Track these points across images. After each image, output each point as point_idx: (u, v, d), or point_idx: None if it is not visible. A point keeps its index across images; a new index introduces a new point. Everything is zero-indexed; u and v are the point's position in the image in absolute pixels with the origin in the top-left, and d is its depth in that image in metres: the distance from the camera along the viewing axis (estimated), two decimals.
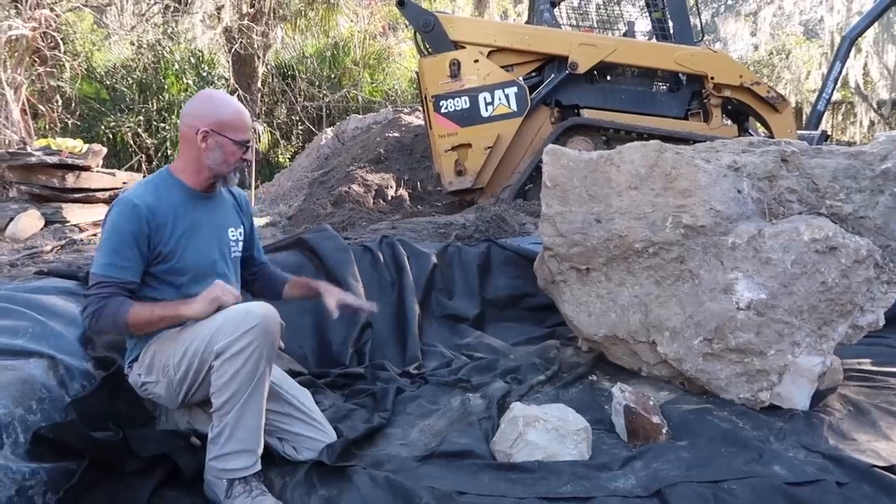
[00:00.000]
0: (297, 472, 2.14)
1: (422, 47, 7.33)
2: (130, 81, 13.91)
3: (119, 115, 13.45)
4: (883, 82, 18.23)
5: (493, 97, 6.87)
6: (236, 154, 2.15)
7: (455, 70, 6.83)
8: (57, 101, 12.66)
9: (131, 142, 13.46)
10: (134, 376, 2.13)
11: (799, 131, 7.78)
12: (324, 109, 16.23)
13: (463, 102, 6.86)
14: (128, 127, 13.33)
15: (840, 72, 8.74)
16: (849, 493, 1.99)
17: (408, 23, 7.75)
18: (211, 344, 1.90)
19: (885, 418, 2.52)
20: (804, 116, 10.41)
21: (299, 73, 16.43)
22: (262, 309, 1.94)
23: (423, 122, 9.12)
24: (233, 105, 2.18)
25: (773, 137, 6.05)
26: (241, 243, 2.36)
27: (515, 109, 6.92)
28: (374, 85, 17.07)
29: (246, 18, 14.69)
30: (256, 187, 10.31)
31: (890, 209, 2.74)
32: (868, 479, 2.05)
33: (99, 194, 7.16)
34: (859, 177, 2.80)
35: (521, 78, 7.11)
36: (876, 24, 12.60)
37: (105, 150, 7.67)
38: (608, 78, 7.58)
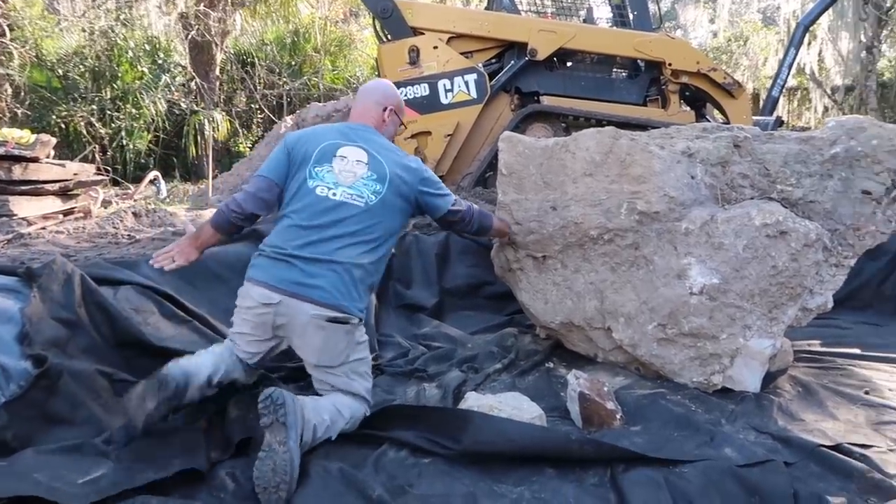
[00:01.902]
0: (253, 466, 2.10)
1: (380, 34, 7.23)
2: (83, 69, 13.45)
3: (71, 104, 13.02)
4: (837, 69, 18.60)
5: (452, 84, 6.81)
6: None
7: (414, 57, 6.76)
8: (5, 91, 12.20)
9: (84, 132, 13.04)
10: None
11: (754, 117, 7.89)
12: (284, 97, 15.96)
13: (422, 89, 6.79)
14: (80, 116, 12.90)
15: (794, 58, 8.86)
16: (796, 472, 2.03)
17: (367, 8, 7.64)
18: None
19: (833, 398, 2.58)
20: (761, 102, 10.59)
21: (259, 60, 16.11)
22: None
23: None
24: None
25: (729, 123, 6.13)
26: None
27: (475, 96, 6.88)
28: (335, 72, 16.84)
29: (202, 4, 14.32)
30: (215, 177, 10.09)
31: (838, 193, 2.79)
32: (815, 459, 2.10)
33: (48, 186, 6.91)
34: (809, 162, 2.84)
35: (480, 65, 7.06)
36: (830, 11, 12.87)
37: (55, 140, 7.41)
38: (568, 65, 7.58)
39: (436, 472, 2.09)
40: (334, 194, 2.32)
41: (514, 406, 2.34)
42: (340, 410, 2.24)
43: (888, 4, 16.59)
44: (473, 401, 2.39)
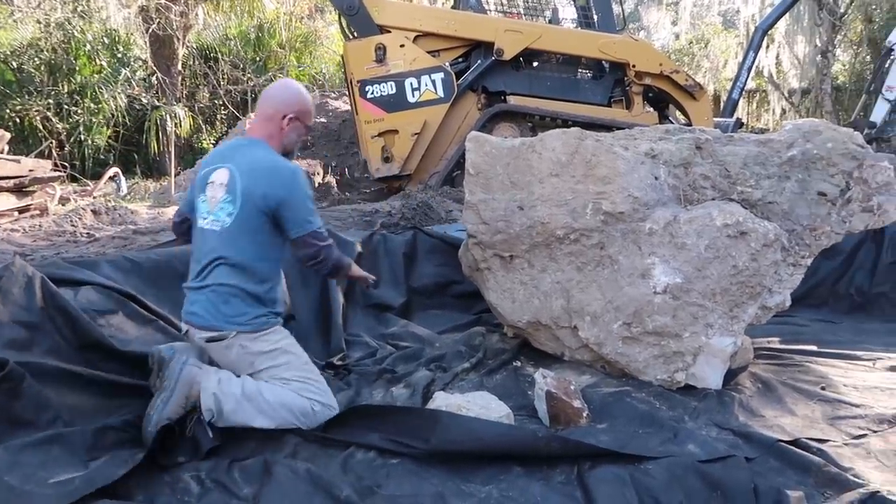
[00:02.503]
0: (218, 468, 2.09)
1: (346, 31, 7.20)
2: (38, 62, 13.07)
3: (26, 97, 12.65)
4: (794, 72, 19.12)
5: (419, 83, 6.81)
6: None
7: (381, 55, 6.74)
8: None
9: (41, 126, 12.69)
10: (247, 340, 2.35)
11: (715, 118, 8.06)
12: (249, 93, 15.73)
13: (389, 88, 6.78)
14: (36, 111, 12.55)
15: (753, 61, 9.09)
16: (757, 467, 2.08)
17: (333, 5, 7.60)
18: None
19: (791, 394, 2.65)
20: (722, 104, 10.84)
21: (222, 55, 15.86)
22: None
23: (350, 108, 8.98)
24: (306, 95, 2.56)
25: (691, 124, 6.25)
26: None
27: (442, 95, 6.89)
28: (300, 69, 16.67)
29: None
30: (177, 174, 9.92)
31: (796, 195, 2.87)
32: (774, 454, 2.15)
33: (2, 183, 6.71)
34: (768, 164, 2.91)
35: (447, 64, 7.08)
36: (787, 16, 13.19)
37: (9, 135, 7.21)
38: (534, 65, 7.65)
39: (404, 473, 2.10)
40: (204, 222, 2.39)
41: (482, 405, 2.35)
42: (270, 397, 2.30)
43: (842, 10, 17.09)
44: (442, 400, 2.40)
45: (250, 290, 2.33)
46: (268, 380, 2.34)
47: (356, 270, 2.72)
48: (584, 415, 2.43)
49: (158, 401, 2.22)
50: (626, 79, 7.49)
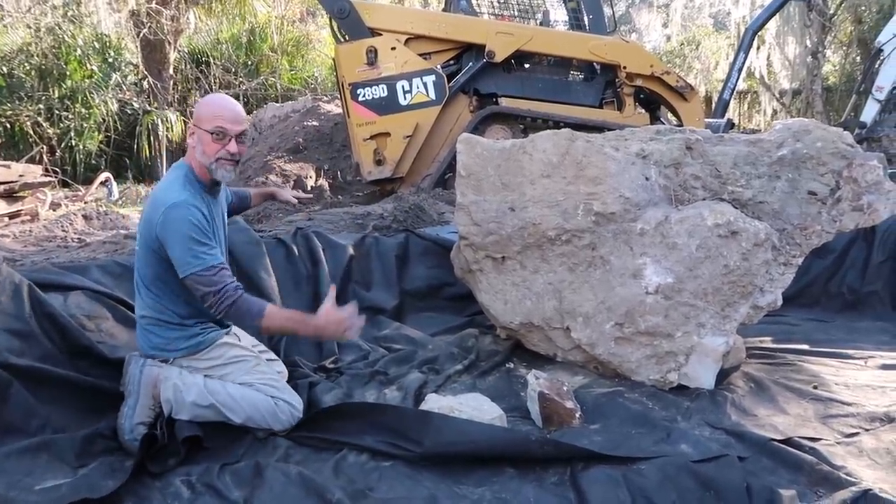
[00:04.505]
0: (209, 472, 2.08)
1: (338, 34, 7.18)
2: (28, 67, 13.03)
3: (17, 102, 12.59)
4: (784, 73, 19.22)
5: (411, 85, 6.80)
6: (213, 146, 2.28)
7: (372, 57, 6.72)
8: None
9: (31, 131, 12.63)
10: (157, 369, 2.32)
11: (706, 119, 8.08)
12: (240, 97, 15.71)
13: (381, 90, 6.76)
14: (27, 116, 12.50)
15: (744, 62, 9.13)
16: (749, 466, 2.08)
17: (324, 9, 7.60)
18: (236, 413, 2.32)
19: (783, 393, 2.65)
20: (713, 105, 10.89)
21: (214, 59, 15.85)
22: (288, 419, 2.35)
23: (342, 111, 8.97)
24: (211, 99, 2.45)
25: (682, 125, 6.26)
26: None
27: (434, 98, 6.88)
28: (292, 72, 16.67)
29: (154, 2, 14.01)
30: None
31: (786, 194, 2.87)
32: (767, 453, 2.16)
33: None
34: (758, 163, 2.92)
35: (438, 66, 7.07)
36: (777, 17, 13.26)
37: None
38: (525, 67, 7.64)
39: (396, 475, 2.09)
40: None
41: (474, 407, 2.35)
42: (234, 391, 2.33)
43: (831, 11, 17.19)
44: (434, 402, 2.39)
45: (166, 318, 2.32)
46: (227, 385, 2.36)
47: (286, 324, 2.32)
48: (577, 416, 2.42)
49: (126, 408, 2.25)
50: (617, 80, 7.50)
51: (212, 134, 2.25)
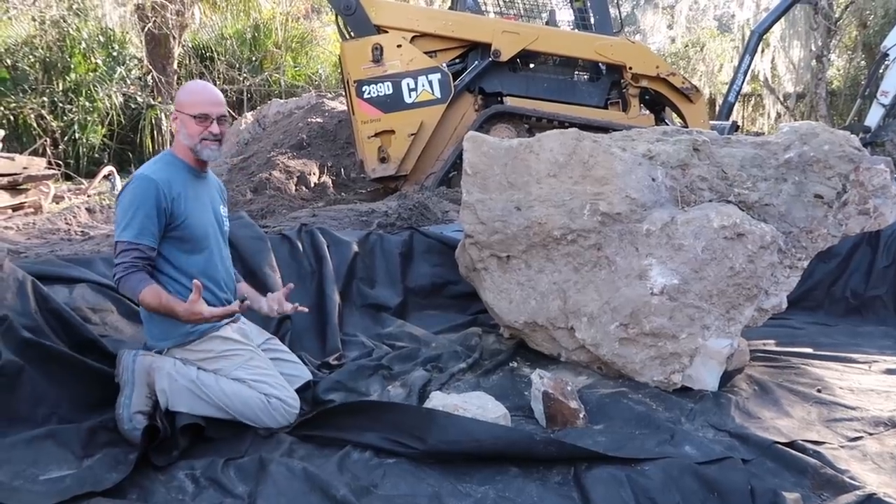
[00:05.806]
0: (213, 467, 2.08)
1: (344, 31, 7.18)
2: (33, 60, 13.02)
3: (21, 95, 12.59)
4: (789, 76, 19.20)
5: (416, 83, 6.80)
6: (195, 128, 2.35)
7: (378, 55, 6.72)
8: None
9: (35, 124, 12.63)
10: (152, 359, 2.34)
11: (711, 121, 8.08)
12: (244, 93, 15.73)
13: (386, 88, 6.76)
14: (30, 108, 12.49)
15: (749, 65, 9.11)
16: (753, 469, 2.08)
17: (330, 5, 7.59)
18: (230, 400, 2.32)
19: (787, 396, 2.65)
20: (717, 107, 10.88)
21: (218, 55, 15.84)
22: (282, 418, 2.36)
23: (346, 108, 8.97)
24: (192, 86, 2.48)
25: (687, 127, 6.26)
26: (227, 221, 2.64)
27: (439, 96, 6.88)
28: (296, 69, 16.66)
29: None
30: None
31: (792, 197, 2.87)
32: (771, 455, 2.16)
33: None
34: (765, 166, 2.91)
35: (444, 64, 7.07)
36: (783, 20, 13.24)
37: (2, 132, 7.18)
38: (531, 66, 7.64)
39: (400, 473, 2.09)
40: None
41: (478, 405, 2.35)
42: (227, 387, 2.34)
43: (837, 15, 17.17)
44: (438, 400, 2.39)
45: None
46: (222, 379, 2.36)
47: (158, 308, 2.21)
48: (581, 416, 2.42)
49: (122, 398, 2.26)
50: (622, 81, 7.50)
51: (195, 117, 2.34)
